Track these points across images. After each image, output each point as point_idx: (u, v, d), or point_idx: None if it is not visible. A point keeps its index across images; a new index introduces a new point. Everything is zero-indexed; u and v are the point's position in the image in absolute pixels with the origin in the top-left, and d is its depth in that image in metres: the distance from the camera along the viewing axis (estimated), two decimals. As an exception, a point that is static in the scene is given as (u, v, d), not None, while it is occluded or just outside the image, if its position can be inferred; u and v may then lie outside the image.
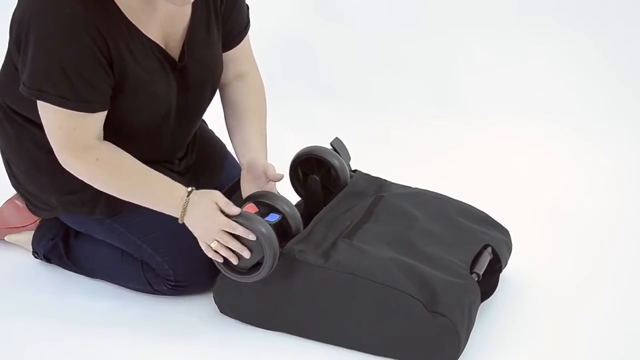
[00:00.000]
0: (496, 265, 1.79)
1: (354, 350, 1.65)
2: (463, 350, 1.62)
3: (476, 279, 1.68)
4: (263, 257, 1.60)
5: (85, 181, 1.69)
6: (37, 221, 1.94)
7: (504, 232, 1.87)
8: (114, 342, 1.70)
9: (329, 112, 2.05)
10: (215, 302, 1.74)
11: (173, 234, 1.76)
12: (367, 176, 1.94)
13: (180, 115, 1.77)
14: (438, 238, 1.75)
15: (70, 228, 1.89)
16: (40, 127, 1.70)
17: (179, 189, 1.67)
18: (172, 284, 1.78)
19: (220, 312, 1.74)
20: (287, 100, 1.99)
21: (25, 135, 1.76)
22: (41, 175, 1.78)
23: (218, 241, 1.62)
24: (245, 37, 1.88)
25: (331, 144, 1.93)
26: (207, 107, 1.87)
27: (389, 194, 1.88)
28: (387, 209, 1.83)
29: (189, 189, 1.67)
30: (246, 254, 1.61)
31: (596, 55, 2.80)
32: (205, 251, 1.65)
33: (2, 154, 1.86)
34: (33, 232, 1.94)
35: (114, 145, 1.67)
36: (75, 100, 1.59)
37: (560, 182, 2.37)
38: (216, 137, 2.05)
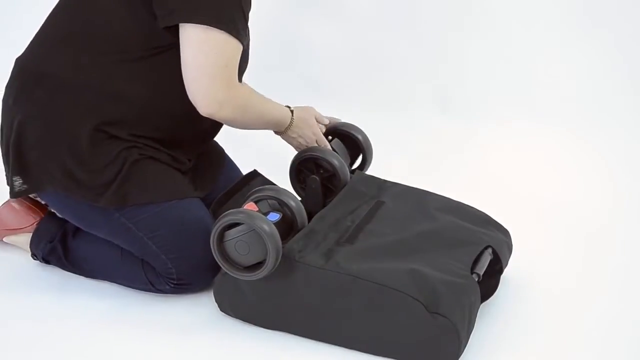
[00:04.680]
0: (496, 266, 1.79)
1: (354, 350, 1.65)
2: (463, 351, 1.62)
3: (476, 279, 1.68)
4: (265, 255, 1.60)
5: (236, 120, 1.76)
6: (35, 223, 1.93)
7: (505, 233, 1.87)
8: (114, 342, 1.69)
9: (329, 112, 2.05)
10: (216, 301, 1.73)
11: (179, 232, 1.75)
12: (367, 176, 1.95)
13: None
14: (439, 239, 1.75)
15: (67, 229, 1.88)
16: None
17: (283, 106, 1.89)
18: (174, 282, 1.78)
19: (221, 311, 1.74)
20: (286, 100, 1.98)
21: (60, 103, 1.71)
22: (60, 145, 1.71)
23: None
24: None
25: (330, 144, 1.94)
26: None
27: (390, 198, 1.88)
28: (388, 213, 1.83)
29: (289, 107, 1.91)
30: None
31: (596, 56, 2.80)
32: (297, 148, 1.93)
33: (14, 117, 1.76)
34: (31, 234, 1.92)
35: None
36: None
37: (561, 183, 2.37)
38: (215, 140, 2.04)
